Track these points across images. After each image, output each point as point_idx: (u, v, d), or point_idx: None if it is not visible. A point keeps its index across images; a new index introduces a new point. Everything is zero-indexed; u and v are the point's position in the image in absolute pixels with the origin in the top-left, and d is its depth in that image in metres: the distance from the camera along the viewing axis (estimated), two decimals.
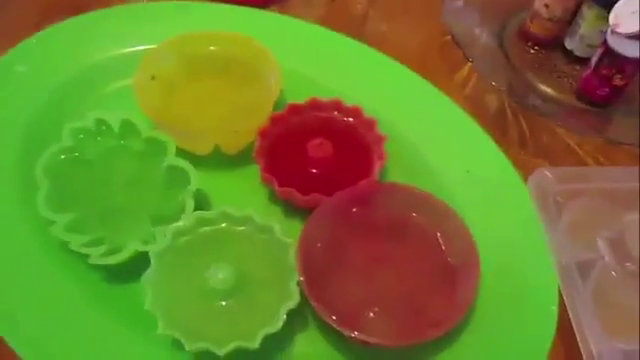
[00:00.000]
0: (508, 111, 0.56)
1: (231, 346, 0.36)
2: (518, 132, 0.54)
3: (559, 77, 0.59)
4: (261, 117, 0.47)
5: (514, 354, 0.38)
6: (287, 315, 0.37)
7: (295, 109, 0.48)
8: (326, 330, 0.39)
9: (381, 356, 0.39)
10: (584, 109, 0.56)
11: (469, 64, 0.57)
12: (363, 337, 0.37)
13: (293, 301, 0.38)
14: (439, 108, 0.51)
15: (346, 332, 0.37)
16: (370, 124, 0.47)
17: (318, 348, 0.39)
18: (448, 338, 0.39)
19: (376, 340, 0.37)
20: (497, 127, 0.54)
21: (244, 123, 0.46)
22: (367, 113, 0.48)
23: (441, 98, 0.51)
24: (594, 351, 0.39)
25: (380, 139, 0.46)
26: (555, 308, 0.40)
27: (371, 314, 0.39)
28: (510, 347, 0.39)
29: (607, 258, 0.43)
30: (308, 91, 0.50)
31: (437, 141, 0.49)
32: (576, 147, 0.54)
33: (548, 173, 0.47)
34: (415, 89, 0.52)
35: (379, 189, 0.44)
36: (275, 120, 0.47)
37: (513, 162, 0.48)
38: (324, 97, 0.49)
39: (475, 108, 0.55)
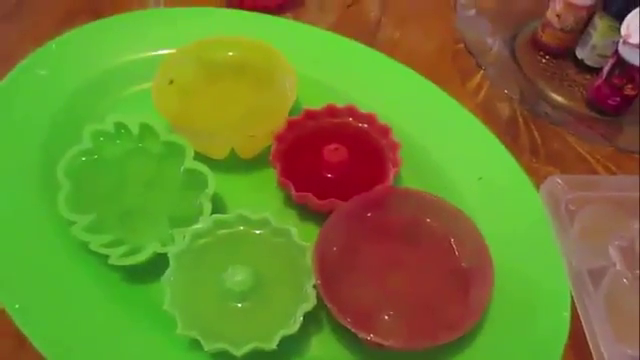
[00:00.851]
0: (520, 119, 0.57)
1: (248, 347, 0.37)
2: (529, 140, 0.55)
3: (570, 86, 0.59)
4: (277, 122, 0.47)
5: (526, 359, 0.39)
6: (303, 317, 0.38)
7: (311, 114, 0.49)
8: (341, 332, 0.40)
9: (394, 358, 0.40)
10: (595, 118, 0.57)
11: (481, 72, 0.58)
12: (378, 339, 0.37)
13: (309, 303, 0.38)
14: (452, 115, 0.51)
15: (361, 334, 0.37)
16: (384, 130, 0.48)
17: (333, 350, 0.40)
18: (461, 341, 0.39)
19: (390, 342, 0.37)
20: (509, 134, 0.55)
21: (260, 127, 0.47)
22: (381, 119, 0.49)
23: (453, 105, 0.52)
24: (606, 357, 0.40)
25: (395, 146, 0.47)
26: (567, 314, 0.41)
27: (385, 317, 0.39)
28: (522, 352, 0.39)
29: (618, 265, 0.44)
30: (322, 97, 0.50)
31: (450, 147, 0.50)
32: (587, 155, 0.54)
33: (560, 180, 0.48)
34: (428, 96, 0.53)
35: (393, 194, 0.44)
36: (291, 125, 0.48)
37: (525, 169, 0.49)
38: (337, 102, 0.49)
39: (487, 115, 0.56)
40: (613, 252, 0.44)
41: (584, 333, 0.41)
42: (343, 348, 0.40)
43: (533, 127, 0.56)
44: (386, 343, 0.37)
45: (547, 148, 0.54)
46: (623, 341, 0.40)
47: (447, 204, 0.43)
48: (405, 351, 0.39)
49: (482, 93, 0.58)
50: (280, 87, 0.50)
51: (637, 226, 0.46)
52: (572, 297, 0.42)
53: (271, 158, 0.46)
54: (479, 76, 0.59)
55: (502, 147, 0.49)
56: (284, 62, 0.50)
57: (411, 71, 0.55)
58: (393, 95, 0.53)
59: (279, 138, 0.47)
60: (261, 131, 0.47)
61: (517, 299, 0.41)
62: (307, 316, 0.38)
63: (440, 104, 0.52)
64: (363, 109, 0.49)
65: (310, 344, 0.40)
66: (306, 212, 0.46)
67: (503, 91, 0.54)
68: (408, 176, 0.48)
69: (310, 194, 0.43)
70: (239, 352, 0.37)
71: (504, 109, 0.57)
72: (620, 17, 0.53)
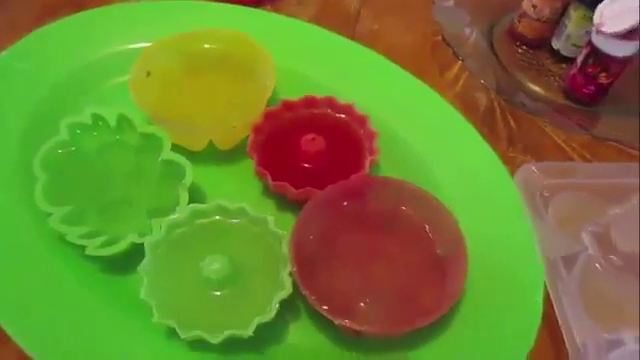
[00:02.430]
0: (497, 109, 0.57)
1: (225, 334, 0.37)
2: (506, 129, 0.56)
3: (547, 76, 0.60)
4: (255, 113, 0.48)
5: (501, 343, 0.39)
6: (280, 305, 0.38)
7: (289, 105, 0.49)
8: (318, 320, 0.40)
9: (372, 346, 0.40)
10: (571, 107, 0.58)
11: (459, 63, 0.59)
12: (354, 325, 0.38)
13: (286, 291, 0.39)
14: (430, 105, 0.52)
15: (337, 321, 0.38)
16: (362, 120, 0.49)
17: (310, 337, 0.40)
18: (436, 327, 0.40)
19: (366, 328, 0.38)
20: (486, 124, 0.56)
21: (239, 118, 0.47)
22: (359, 110, 0.49)
23: (432, 95, 0.52)
24: (578, 341, 0.40)
25: (372, 135, 0.47)
26: (540, 299, 0.41)
27: (362, 304, 0.40)
28: (496, 337, 0.40)
29: (592, 251, 0.45)
30: (301, 88, 0.51)
31: (428, 137, 0.50)
32: (563, 144, 0.55)
33: (534, 168, 0.49)
34: (406, 86, 0.53)
35: (370, 183, 0.45)
36: (269, 116, 0.48)
37: (501, 158, 0.49)
38: (317, 94, 0.50)
39: (465, 106, 0.56)
40: (586, 238, 0.45)
41: (557, 318, 0.42)
42: (320, 335, 0.41)
43: (510, 117, 0.56)
44: (362, 329, 0.38)
45: (524, 137, 0.55)
46: (596, 324, 0.41)
47: (424, 192, 0.44)
48: (382, 337, 0.40)
49: (460, 83, 0.59)
50: (259, 79, 0.50)
51: (611, 212, 0.47)
52: (546, 283, 0.43)
53: (248, 149, 0.46)
54: (457, 67, 0.60)
55: (479, 136, 0.50)
56: (263, 54, 0.50)
57: (390, 62, 0.55)
58: (372, 86, 0.53)
59: (257, 129, 0.47)
60: (240, 122, 0.47)
61: (491, 285, 0.42)
62: (284, 304, 0.39)
63: (419, 95, 0.53)
64: (342, 100, 0.50)
65: (287, 331, 0.41)
66: (284, 202, 0.46)
67: (480, 81, 0.55)
68: (387, 166, 0.49)
69: (287, 183, 0.44)
70: (215, 340, 0.37)
71: (482, 99, 0.58)
72: (594, 7, 0.53)
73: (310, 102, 0.50)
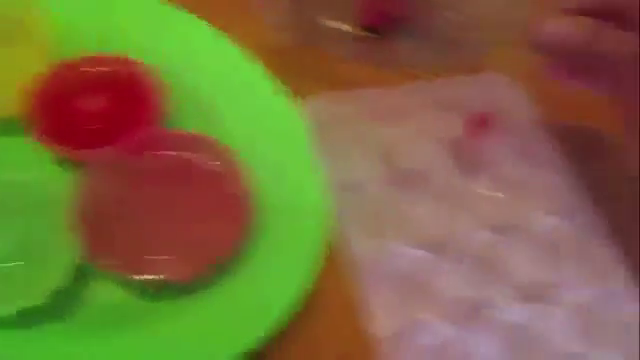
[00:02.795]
0: (294, 47, 0.58)
1: (16, 305, 0.37)
2: (301, 64, 0.57)
3: (338, 8, 0.62)
4: (32, 76, 0.46)
5: (290, 272, 0.43)
6: (76, 269, 0.39)
7: (71, 66, 0.48)
8: (115, 279, 0.41)
9: (177, 294, 0.42)
10: (363, 37, 0.60)
11: (254, 4, 0.59)
12: (148, 277, 0.39)
13: (76, 255, 0.39)
14: (218, 49, 0.52)
15: (129, 275, 0.39)
16: (150, 74, 0.48)
17: (112, 295, 0.41)
18: (230, 265, 0.42)
19: (165, 277, 0.40)
20: (282, 62, 0.57)
21: (16, 84, 0.45)
22: (149, 63, 0.49)
23: (220, 39, 0.53)
24: (356, 251, 0.45)
25: (160, 88, 0.48)
26: (325, 224, 0.45)
27: (159, 256, 0.41)
28: (286, 265, 0.43)
29: (375, 173, 0.49)
30: (85, 45, 0.49)
31: (219, 84, 0.51)
32: (355, 73, 0.58)
33: (320, 98, 0.51)
34: (194, 32, 0.53)
35: (158, 137, 0.45)
36: (50, 78, 0.47)
37: (294, 93, 0.51)
38: (103, 52, 0.49)
39: (258, 46, 0.57)
40: (370, 161, 0.49)
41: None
42: (122, 291, 0.41)
43: (306, 52, 0.58)
44: (156, 278, 0.39)
45: (317, 71, 0.57)
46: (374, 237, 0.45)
47: (212, 140, 0.45)
48: (177, 284, 0.41)
49: (255, 24, 0.59)
50: (36, 39, 0.48)
51: (391, 132, 0.51)
52: (332, 209, 0.46)
53: (28, 115, 0.45)
54: (252, 7, 0.60)
55: (267, 75, 0.51)
56: (37, 11, 0.48)
57: (181, 11, 0.54)
58: (163, 38, 0.53)
59: (37, 94, 0.46)
60: (17, 88, 0.45)
61: (280, 218, 0.45)
62: (80, 268, 0.39)
63: (209, 41, 0.53)
64: (131, 55, 0.49)
65: (88, 294, 0.41)
66: (71, 165, 0.45)
67: (275, 20, 0.56)
68: (178, 117, 0.49)
69: (73, 146, 0.43)
70: (7, 311, 0.37)
71: (277, 39, 0.59)
72: None
73: (94, 60, 0.49)
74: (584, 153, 0.55)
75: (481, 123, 0.54)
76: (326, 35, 0.59)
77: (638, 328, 0.43)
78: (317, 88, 0.55)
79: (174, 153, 0.45)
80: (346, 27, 0.61)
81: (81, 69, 0.48)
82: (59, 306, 0.39)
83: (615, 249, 0.47)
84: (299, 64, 0.57)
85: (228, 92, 0.50)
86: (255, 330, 0.39)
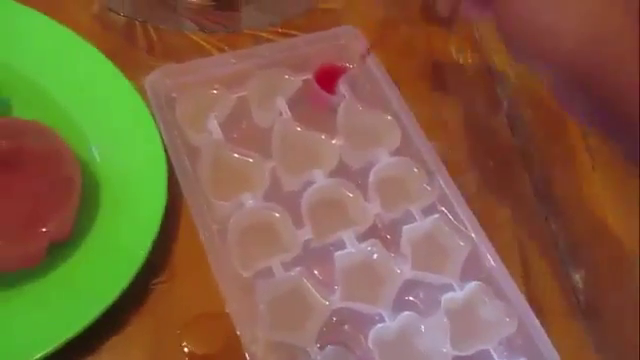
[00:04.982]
0: (137, 23, 0.58)
1: None
2: (147, 41, 0.57)
3: None
4: None
5: (130, 242, 0.43)
6: None
7: None
8: None
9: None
10: (209, 6, 0.61)
11: None
12: None
13: None
14: (55, 38, 0.51)
15: None
16: None
17: None
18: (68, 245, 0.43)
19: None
20: (128, 40, 0.57)
21: None
22: None
23: (55, 27, 0.52)
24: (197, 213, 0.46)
25: None
26: (164, 194, 0.45)
27: None
28: (127, 231, 0.44)
29: (216, 136, 0.49)
30: None
31: (57, 72, 0.50)
32: (203, 42, 0.58)
33: (162, 72, 0.51)
34: (26, 22, 0.52)
35: None
36: None
37: (142, 68, 0.51)
38: None
39: (103, 25, 0.57)
40: (211, 125, 0.50)
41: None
42: None
43: (151, 28, 0.58)
44: None
45: (164, 44, 0.57)
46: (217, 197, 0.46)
47: (41, 125, 0.45)
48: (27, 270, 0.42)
49: (96, 5, 0.59)
50: None
51: (234, 97, 0.52)
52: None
53: None
54: None
55: (102, 57, 0.51)
56: None
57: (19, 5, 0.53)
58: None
59: None
60: None
61: (122, 194, 0.45)
62: None
63: (39, 27, 0.51)
64: None
65: None
66: None
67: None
68: (17, 107, 0.49)
69: None
70: None
71: (121, 19, 0.58)
72: None
73: None
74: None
75: (328, 75, 0.55)
76: (166, 9, 0.59)
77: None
78: (164, 59, 0.55)
79: (4, 141, 0.44)
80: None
81: None
82: None
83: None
84: (145, 37, 0.57)
85: (61, 76, 0.50)
86: (98, 302, 0.40)
